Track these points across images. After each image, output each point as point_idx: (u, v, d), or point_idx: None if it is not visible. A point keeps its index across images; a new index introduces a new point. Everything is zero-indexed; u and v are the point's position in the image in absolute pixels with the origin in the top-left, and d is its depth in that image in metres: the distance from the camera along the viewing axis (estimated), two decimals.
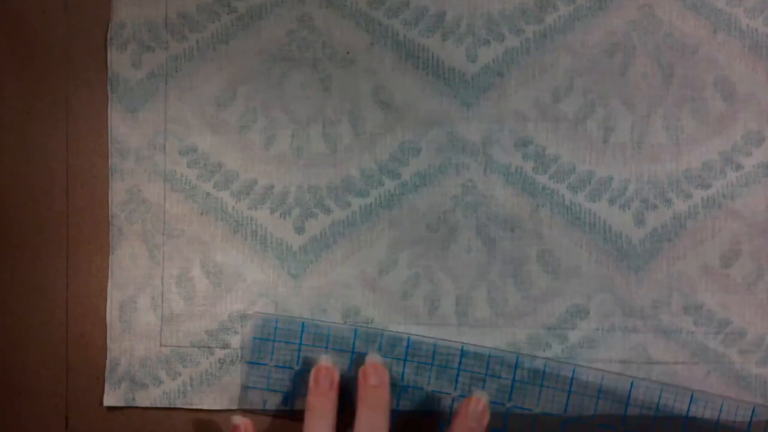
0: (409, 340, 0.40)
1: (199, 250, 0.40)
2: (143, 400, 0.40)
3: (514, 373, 0.40)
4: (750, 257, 0.39)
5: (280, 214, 0.40)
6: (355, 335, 0.39)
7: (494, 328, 0.40)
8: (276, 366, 0.39)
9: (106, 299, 0.40)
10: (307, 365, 0.39)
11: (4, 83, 0.40)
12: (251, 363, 0.40)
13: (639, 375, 0.39)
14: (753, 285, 0.39)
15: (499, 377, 0.40)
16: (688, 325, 0.39)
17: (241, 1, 0.40)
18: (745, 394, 0.39)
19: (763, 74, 0.39)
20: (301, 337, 0.39)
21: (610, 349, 0.39)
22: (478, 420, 0.37)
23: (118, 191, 0.40)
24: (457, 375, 0.40)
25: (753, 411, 0.39)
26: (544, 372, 0.39)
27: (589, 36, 0.39)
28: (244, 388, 0.40)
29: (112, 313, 0.40)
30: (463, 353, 0.40)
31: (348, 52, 0.39)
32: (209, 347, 0.40)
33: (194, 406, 0.40)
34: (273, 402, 0.40)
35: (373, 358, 0.38)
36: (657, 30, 0.39)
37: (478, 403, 0.37)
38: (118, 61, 0.40)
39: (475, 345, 0.40)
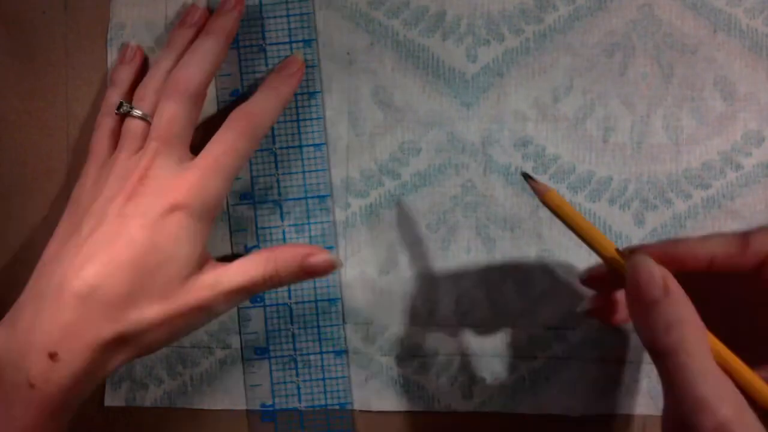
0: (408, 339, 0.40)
1: None
2: (144, 400, 0.40)
3: (514, 374, 0.40)
4: None
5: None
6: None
7: (494, 328, 0.40)
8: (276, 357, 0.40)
9: None
10: None
11: (4, 83, 0.40)
12: (250, 360, 0.40)
13: (640, 374, 0.39)
14: None
15: (500, 377, 0.40)
16: None
17: None
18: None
19: (763, 74, 0.39)
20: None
21: (610, 349, 0.39)
22: (312, 272, 0.35)
23: None
24: (457, 375, 0.40)
25: None
26: (544, 372, 0.40)
27: (589, 36, 0.39)
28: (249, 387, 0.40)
29: None
30: (464, 353, 0.40)
31: (348, 53, 0.39)
32: (209, 347, 0.40)
33: (194, 406, 0.40)
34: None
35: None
36: (656, 30, 0.39)
37: (325, 258, 0.35)
38: None
39: (475, 345, 0.40)
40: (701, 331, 0.29)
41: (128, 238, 0.33)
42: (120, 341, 0.32)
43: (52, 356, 0.31)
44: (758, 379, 0.29)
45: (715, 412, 0.27)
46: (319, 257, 0.35)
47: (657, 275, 0.30)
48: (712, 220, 0.39)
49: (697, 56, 0.39)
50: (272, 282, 0.35)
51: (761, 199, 0.39)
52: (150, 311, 0.33)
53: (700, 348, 0.28)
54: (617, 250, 0.32)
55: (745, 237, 0.30)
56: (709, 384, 0.28)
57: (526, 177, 0.34)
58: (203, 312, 0.34)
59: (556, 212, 0.33)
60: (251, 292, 0.35)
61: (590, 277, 0.35)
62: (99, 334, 0.32)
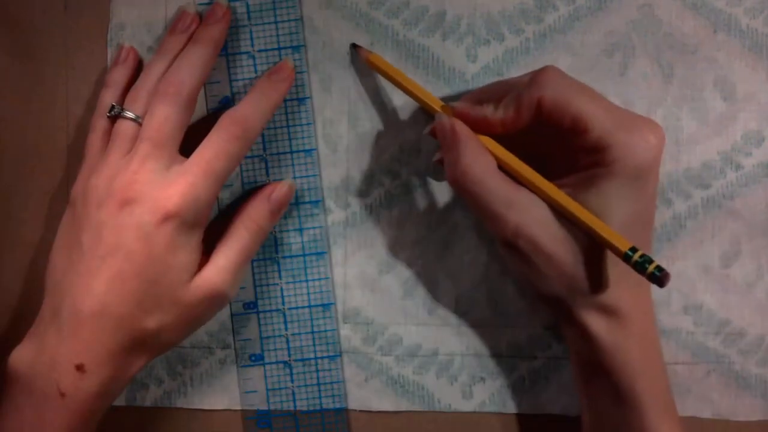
0: (409, 340, 0.40)
1: None
2: (144, 400, 0.40)
3: (514, 374, 0.40)
4: (750, 257, 0.39)
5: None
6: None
7: (494, 328, 0.40)
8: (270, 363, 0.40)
9: None
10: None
11: (4, 83, 0.40)
12: (245, 366, 0.40)
13: None
14: (753, 285, 0.39)
15: (499, 377, 0.40)
16: (688, 325, 0.39)
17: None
18: (745, 394, 0.39)
19: (763, 74, 0.39)
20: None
21: None
22: (279, 204, 0.38)
23: None
24: (457, 375, 0.40)
25: None
26: (543, 372, 0.40)
27: (589, 36, 0.39)
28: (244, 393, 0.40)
29: None
30: (463, 353, 0.40)
31: (348, 53, 0.39)
32: (209, 347, 0.40)
33: (194, 406, 0.40)
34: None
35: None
36: (657, 30, 0.39)
37: (283, 188, 0.38)
38: None
39: (475, 345, 0.40)
40: (484, 159, 0.34)
41: (126, 251, 0.33)
42: (138, 346, 0.34)
43: (79, 368, 0.33)
44: (533, 172, 0.34)
45: (507, 219, 0.33)
46: (278, 191, 0.38)
47: (446, 122, 0.35)
48: (712, 220, 0.39)
49: (697, 56, 0.39)
50: (259, 236, 0.37)
51: (761, 199, 0.39)
52: (161, 315, 0.34)
53: (484, 173, 0.34)
54: (442, 106, 0.36)
55: (518, 99, 0.34)
56: (499, 200, 0.33)
57: (354, 46, 0.39)
58: (214, 301, 0.36)
59: (383, 73, 0.38)
60: (249, 257, 0.37)
61: (432, 131, 0.37)
62: (118, 343, 0.34)
